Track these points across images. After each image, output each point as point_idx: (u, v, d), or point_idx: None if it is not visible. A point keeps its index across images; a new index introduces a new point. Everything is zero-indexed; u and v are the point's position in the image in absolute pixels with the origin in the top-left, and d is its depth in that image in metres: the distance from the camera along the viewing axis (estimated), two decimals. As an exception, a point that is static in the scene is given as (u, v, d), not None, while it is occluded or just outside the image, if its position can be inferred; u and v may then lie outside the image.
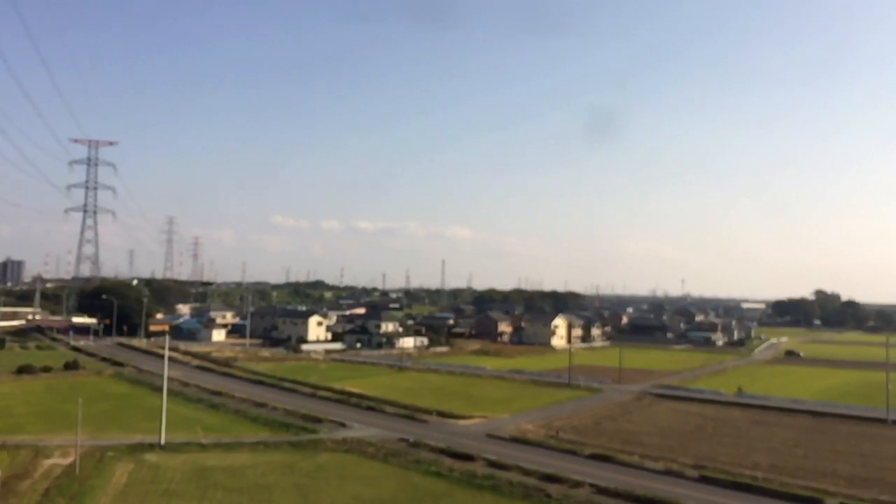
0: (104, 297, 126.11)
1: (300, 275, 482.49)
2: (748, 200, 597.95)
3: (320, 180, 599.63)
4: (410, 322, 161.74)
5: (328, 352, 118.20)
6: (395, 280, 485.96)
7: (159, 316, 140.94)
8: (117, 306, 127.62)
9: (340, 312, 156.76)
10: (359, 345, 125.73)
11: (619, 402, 76.46)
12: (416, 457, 45.85)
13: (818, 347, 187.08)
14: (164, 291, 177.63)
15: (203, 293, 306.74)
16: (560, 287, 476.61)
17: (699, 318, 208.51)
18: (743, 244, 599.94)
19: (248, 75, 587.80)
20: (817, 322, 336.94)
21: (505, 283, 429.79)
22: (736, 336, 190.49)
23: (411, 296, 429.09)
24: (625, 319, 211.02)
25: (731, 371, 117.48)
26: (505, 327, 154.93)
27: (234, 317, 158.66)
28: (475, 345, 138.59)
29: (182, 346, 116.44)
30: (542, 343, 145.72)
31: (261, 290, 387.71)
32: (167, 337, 66.10)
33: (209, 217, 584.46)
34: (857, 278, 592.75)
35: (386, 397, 71.84)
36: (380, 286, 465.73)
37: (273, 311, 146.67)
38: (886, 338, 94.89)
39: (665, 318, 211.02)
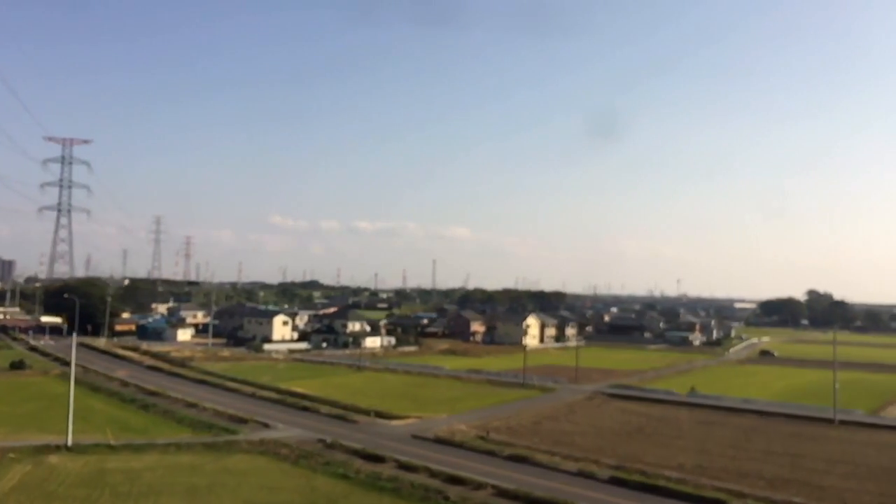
0: (66, 296, 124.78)
1: (298, 275, 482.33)
2: (748, 202, 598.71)
3: (320, 181, 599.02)
4: (384, 322, 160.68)
5: (292, 351, 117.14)
6: (394, 280, 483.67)
7: (125, 315, 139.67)
8: (83, 305, 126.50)
9: (314, 312, 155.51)
10: (325, 345, 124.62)
11: (567, 402, 75.44)
12: (328, 458, 44.78)
13: (797, 347, 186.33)
14: (136, 291, 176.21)
15: (188, 293, 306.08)
16: (559, 287, 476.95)
17: (683, 317, 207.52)
18: (742, 244, 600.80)
19: (251, 78, 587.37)
20: (805, 322, 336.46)
21: (503, 284, 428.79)
22: (715, 336, 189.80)
23: (402, 295, 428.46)
24: (607, 319, 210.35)
25: (697, 371, 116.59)
26: (478, 327, 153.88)
27: (205, 316, 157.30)
28: (444, 344, 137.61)
29: (144, 345, 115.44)
30: (514, 343, 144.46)
31: (248, 290, 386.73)
32: (74, 335, 64.53)
33: (209, 217, 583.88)
34: (853, 279, 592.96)
35: (329, 397, 70.74)
36: (380, 286, 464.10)
37: (240, 311, 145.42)
38: (834, 335, 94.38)
39: (644, 318, 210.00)
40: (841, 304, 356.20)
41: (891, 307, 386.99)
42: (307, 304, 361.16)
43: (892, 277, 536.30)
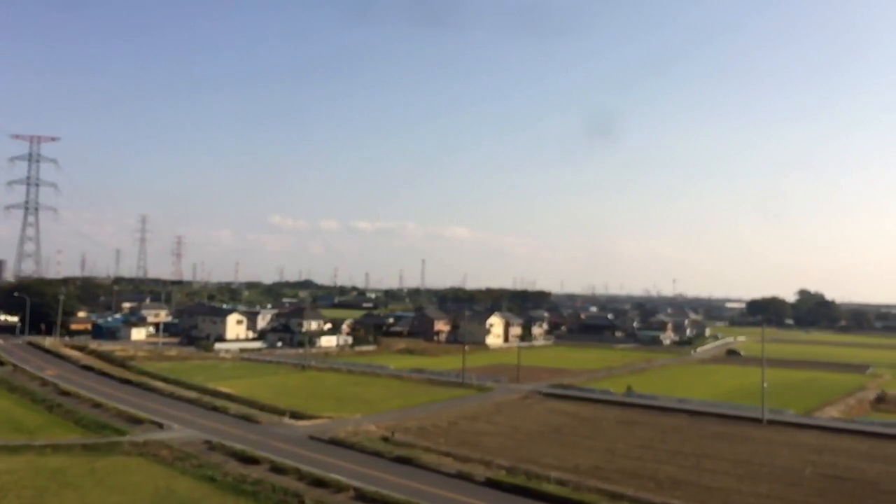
0: (16, 294, 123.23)
1: (295, 275, 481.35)
2: (746, 202, 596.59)
3: (319, 181, 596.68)
4: (349, 321, 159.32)
5: (243, 350, 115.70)
6: (392, 280, 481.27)
7: (82, 314, 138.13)
8: (38, 304, 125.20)
9: (277, 311, 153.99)
10: (280, 344, 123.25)
11: (498, 402, 74.14)
12: (204, 460, 43.49)
13: (771, 346, 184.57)
14: (94, 289, 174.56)
15: (170, 292, 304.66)
16: (556, 287, 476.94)
17: (656, 317, 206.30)
18: (739, 244, 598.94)
19: (249, 78, 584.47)
20: (790, 321, 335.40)
21: (501, 284, 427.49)
22: (688, 334, 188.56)
23: (391, 295, 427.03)
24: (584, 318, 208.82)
25: (653, 370, 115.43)
26: (442, 326, 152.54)
27: (167, 315, 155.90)
28: (403, 344, 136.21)
29: (95, 345, 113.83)
30: (477, 342, 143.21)
31: (234, 290, 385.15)
32: None
33: (208, 217, 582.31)
34: (848, 279, 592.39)
35: (250, 397, 69.51)
36: (376, 286, 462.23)
37: (199, 310, 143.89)
38: (762, 331, 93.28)
39: (623, 317, 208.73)
40: (826, 304, 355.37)
41: (881, 307, 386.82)
42: (295, 302, 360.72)
43: (890, 278, 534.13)
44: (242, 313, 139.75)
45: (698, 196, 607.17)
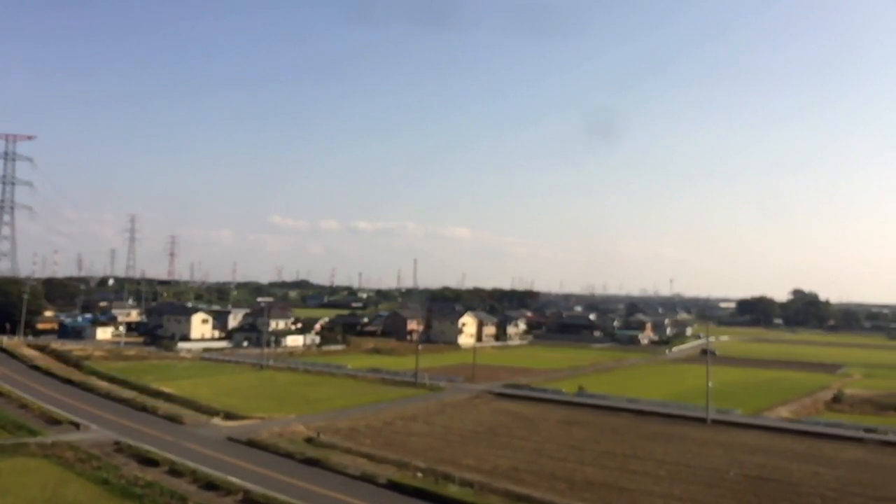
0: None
1: (295, 275, 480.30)
2: (746, 202, 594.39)
3: (319, 181, 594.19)
4: (324, 321, 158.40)
5: (206, 350, 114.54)
6: (390, 280, 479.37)
7: (49, 314, 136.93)
8: (2, 304, 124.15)
9: (247, 311, 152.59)
10: (246, 343, 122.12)
11: (445, 402, 73.10)
12: (106, 462, 42.47)
13: (749, 346, 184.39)
14: (63, 288, 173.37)
15: (154, 292, 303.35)
16: (555, 287, 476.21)
17: (634, 317, 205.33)
18: (740, 244, 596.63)
19: (249, 78, 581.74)
20: (778, 321, 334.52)
21: (499, 284, 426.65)
22: (668, 334, 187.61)
23: (384, 295, 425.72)
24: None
25: (620, 370, 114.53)
26: (415, 326, 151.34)
27: (139, 315, 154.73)
28: (371, 343, 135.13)
29: (56, 344, 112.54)
30: (450, 341, 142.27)
31: (219, 289, 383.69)
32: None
33: (208, 217, 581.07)
34: (848, 279, 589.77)
35: (190, 397, 68.53)
36: (375, 286, 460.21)
37: (165, 309, 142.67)
38: (707, 331, 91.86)
39: (604, 317, 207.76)
40: (815, 304, 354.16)
41: (876, 307, 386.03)
42: (282, 302, 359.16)
43: (887, 278, 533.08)
44: (211, 312, 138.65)
45: (698, 196, 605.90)
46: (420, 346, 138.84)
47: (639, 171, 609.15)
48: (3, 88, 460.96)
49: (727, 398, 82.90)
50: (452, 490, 39.09)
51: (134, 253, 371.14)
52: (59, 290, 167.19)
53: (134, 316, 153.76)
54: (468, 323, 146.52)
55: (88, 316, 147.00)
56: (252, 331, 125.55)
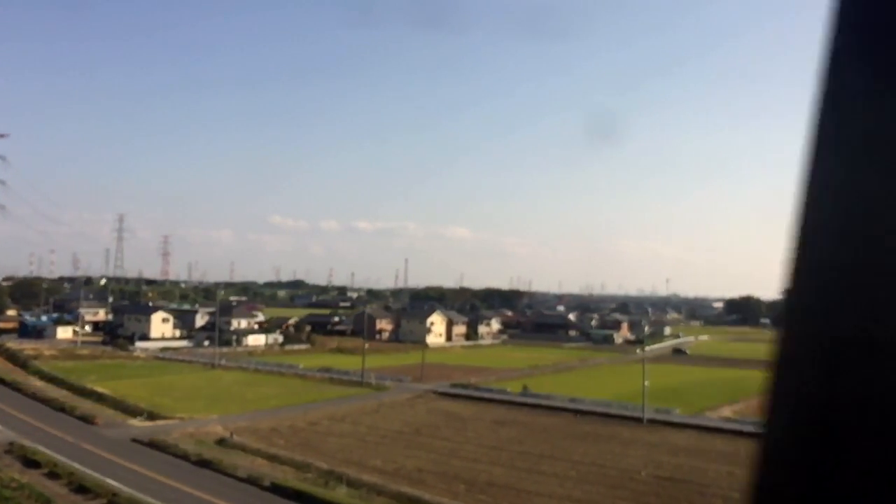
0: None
1: (293, 275, 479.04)
2: (747, 202, 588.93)
3: (319, 181, 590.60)
4: (293, 320, 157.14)
5: (164, 349, 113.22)
6: (388, 280, 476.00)
7: (11, 313, 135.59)
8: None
9: (212, 310, 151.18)
10: (207, 342, 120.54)
11: (384, 402, 71.97)
12: (-15, 464, 41.06)
13: (728, 345, 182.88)
14: (28, 287, 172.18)
15: (136, 292, 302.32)
16: (554, 287, 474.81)
17: (609, 316, 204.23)
18: (739, 245, 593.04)
19: (249, 79, 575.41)
20: (766, 320, 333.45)
21: (498, 283, 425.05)
22: (645, 333, 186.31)
23: (374, 294, 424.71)
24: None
25: (581, 369, 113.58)
26: (385, 325, 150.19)
27: (106, 314, 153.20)
28: (335, 342, 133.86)
29: (14, 343, 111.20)
30: (418, 341, 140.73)
31: (205, 289, 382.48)
32: None
33: (209, 217, 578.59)
34: None
35: (121, 397, 67.44)
36: (375, 286, 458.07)
37: (126, 308, 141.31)
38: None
39: (583, 317, 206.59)
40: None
41: None
42: (270, 302, 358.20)
43: None
44: (174, 312, 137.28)
45: (698, 196, 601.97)
46: (388, 346, 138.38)
47: (639, 172, 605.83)
48: (3, 87, 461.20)
49: (676, 397, 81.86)
50: (339, 493, 38.01)
51: (122, 252, 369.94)
52: (24, 290, 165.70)
53: (101, 315, 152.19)
54: (437, 322, 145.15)
55: (55, 315, 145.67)
56: (213, 329, 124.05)
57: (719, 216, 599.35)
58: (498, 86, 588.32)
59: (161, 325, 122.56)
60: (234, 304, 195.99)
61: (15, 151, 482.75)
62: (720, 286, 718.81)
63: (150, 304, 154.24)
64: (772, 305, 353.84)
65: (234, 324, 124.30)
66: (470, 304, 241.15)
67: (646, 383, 67.28)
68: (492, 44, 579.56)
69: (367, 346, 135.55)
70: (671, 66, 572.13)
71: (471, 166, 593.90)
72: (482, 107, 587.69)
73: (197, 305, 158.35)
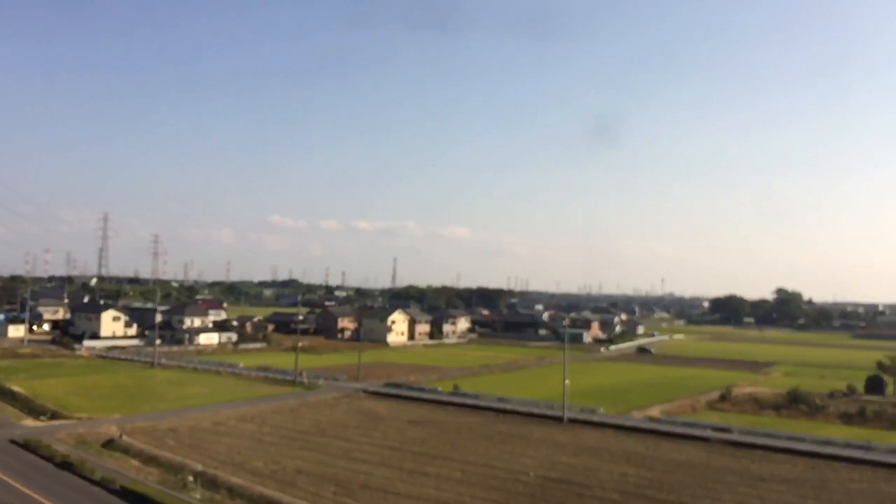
0: None
1: (291, 275, 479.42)
2: (743, 201, 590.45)
3: (319, 180, 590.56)
4: (257, 318, 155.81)
5: (111, 348, 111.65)
6: (386, 279, 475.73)
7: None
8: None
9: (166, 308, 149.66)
10: (159, 341, 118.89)
11: (308, 401, 70.56)
12: None
13: (699, 344, 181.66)
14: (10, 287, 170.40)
15: (117, 291, 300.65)
16: (551, 287, 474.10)
17: (581, 314, 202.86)
18: (737, 244, 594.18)
19: (249, 78, 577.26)
20: (749, 320, 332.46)
21: (497, 283, 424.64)
22: (616, 332, 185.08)
23: (362, 293, 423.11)
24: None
25: (532, 368, 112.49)
26: (347, 323, 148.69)
27: (64, 312, 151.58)
28: (290, 341, 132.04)
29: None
30: (379, 340, 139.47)
31: (189, 287, 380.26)
32: None
33: (209, 217, 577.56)
34: (842, 278, 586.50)
35: (34, 396, 66.31)
36: (374, 285, 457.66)
37: (78, 307, 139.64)
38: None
39: (555, 316, 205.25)
40: (787, 302, 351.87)
41: (861, 306, 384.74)
42: (255, 301, 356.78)
43: (882, 278, 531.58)
44: (134, 310, 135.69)
45: (695, 195, 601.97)
46: (349, 344, 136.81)
47: (637, 171, 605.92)
48: (3, 85, 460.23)
49: (613, 396, 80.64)
50: (192, 496, 36.51)
51: (107, 252, 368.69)
52: (11, 290, 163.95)
53: (61, 314, 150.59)
54: (398, 321, 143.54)
55: (13, 314, 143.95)
56: (166, 328, 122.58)
57: (716, 215, 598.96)
58: (496, 86, 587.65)
59: (112, 324, 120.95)
60: (200, 302, 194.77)
61: (15, 151, 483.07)
62: (715, 286, 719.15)
63: (104, 302, 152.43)
64: (756, 305, 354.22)
65: (188, 322, 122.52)
66: (446, 303, 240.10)
67: (566, 382, 65.93)
68: (489, 44, 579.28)
69: (325, 344, 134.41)
70: (672, 64, 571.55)
71: (471, 166, 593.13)
72: (481, 107, 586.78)
73: (150, 304, 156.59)
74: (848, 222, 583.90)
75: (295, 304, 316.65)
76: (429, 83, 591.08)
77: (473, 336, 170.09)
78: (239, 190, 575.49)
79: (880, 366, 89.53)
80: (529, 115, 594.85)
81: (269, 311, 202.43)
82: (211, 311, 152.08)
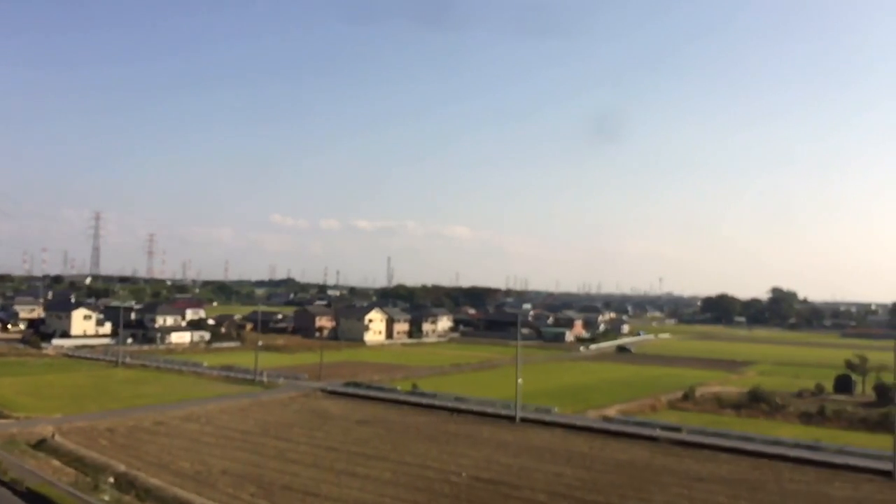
0: None
1: (291, 274, 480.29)
2: (742, 200, 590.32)
3: (319, 179, 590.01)
4: (238, 317, 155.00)
5: (80, 347, 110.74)
6: (384, 278, 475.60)
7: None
8: None
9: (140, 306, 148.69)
10: (130, 340, 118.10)
11: (260, 401, 69.67)
12: None
13: (681, 344, 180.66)
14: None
15: (106, 289, 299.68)
16: (551, 286, 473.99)
17: (563, 314, 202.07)
18: (735, 243, 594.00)
19: (247, 75, 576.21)
20: (740, 319, 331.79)
21: (496, 283, 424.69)
22: (600, 331, 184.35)
23: (356, 293, 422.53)
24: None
25: (500, 367, 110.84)
26: (325, 322, 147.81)
27: (43, 311, 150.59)
28: (266, 340, 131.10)
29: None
30: (356, 339, 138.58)
31: (180, 286, 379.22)
32: None
33: (210, 216, 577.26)
34: (840, 278, 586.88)
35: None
36: (373, 285, 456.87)
37: (51, 306, 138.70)
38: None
39: (540, 316, 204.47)
40: (779, 302, 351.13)
41: (854, 305, 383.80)
42: (246, 300, 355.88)
43: (884, 277, 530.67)
44: (109, 309, 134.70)
45: (694, 194, 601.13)
46: (326, 343, 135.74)
47: (637, 169, 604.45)
48: (3, 83, 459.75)
49: (574, 395, 79.78)
50: (101, 498, 35.60)
51: (98, 250, 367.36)
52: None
53: (37, 312, 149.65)
54: (375, 320, 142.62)
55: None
56: (138, 327, 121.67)
57: (716, 215, 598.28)
58: (498, 82, 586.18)
59: (83, 323, 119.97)
60: (177, 300, 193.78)
61: (14, 148, 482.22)
62: (714, 286, 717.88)
63: (76, 300, 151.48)
64: (748, 304, 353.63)
65: (159, 321, 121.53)
66: (432, 302, 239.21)
67: (519, 381, 64.97)
68: (490, 40, 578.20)
69: (302, 343, 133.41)
70: (672, 63, 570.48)
71: (471, 166, 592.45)
72: (482, 106, 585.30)
73: (133, 303, 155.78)
74: (845, 221, 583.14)
75: (286, 304, 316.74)
76: (429, 81, 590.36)
77: (455, 335, 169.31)
78: (239, 188, 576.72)
79: (849, 364, 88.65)
80: (530, 113, 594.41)
81: (242, 310, 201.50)
82: (189, 310, 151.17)
